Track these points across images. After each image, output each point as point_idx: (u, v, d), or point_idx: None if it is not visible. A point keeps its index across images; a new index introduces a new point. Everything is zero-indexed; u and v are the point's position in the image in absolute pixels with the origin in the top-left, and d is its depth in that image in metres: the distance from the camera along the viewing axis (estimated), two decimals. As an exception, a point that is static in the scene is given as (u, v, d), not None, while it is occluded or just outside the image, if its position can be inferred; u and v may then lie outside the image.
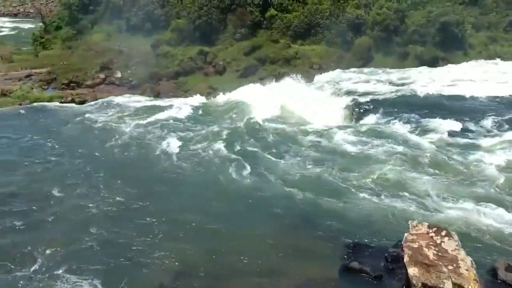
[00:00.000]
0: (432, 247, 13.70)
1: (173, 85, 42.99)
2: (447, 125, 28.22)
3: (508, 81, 35.83)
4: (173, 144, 27.23)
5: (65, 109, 35.23)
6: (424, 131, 27.85)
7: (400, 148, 25.31)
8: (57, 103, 36.88)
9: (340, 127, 29.02)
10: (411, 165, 23.58)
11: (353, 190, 21.68)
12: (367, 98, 33.14)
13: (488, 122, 28.66)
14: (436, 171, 23.01)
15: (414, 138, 26.67)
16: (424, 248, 13.69)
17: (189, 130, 29.76)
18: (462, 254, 13.51)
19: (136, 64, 45.19)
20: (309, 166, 24.31)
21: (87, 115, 32.86)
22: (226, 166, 24.40)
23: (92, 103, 36.80)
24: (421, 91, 33.75)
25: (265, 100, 33.31)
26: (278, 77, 40.17)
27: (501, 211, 19.30)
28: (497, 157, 24.03)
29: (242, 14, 48.21)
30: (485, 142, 26.20)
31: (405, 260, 13.50)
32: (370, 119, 30.56)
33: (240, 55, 45.42)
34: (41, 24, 63.42)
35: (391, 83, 36.63)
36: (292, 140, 27.65)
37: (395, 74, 38.84)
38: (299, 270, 16.85)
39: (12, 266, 16.89)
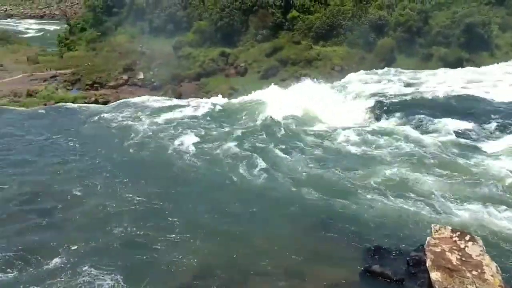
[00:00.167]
0: (456, 252, 13.45)
1: (194, 86, 43.28)
2: (465, 127, 27.81)
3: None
4: (191, 144, 27.43)
5: (88, 109, 35.76)
6: (446, 134, 27.43)
7: (420, 151, 25.05)
8: (81, 104, 37.49)
9: (360, 129, 28.84)
10: (430, 168, 23.36)
11: (371, 191, 21.51)
12: (389, 100, 32.80)
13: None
14: (455, 173, 22.69)
15: (434, 140, 26.31)
16: (447, 253, 13.45)
17: (208, 130, 29.98)
18: (487, 259, 13.22)
19: (158, 66, 45.65)
20: (327, 167, 24.20)
21: (109, 116, 33.33)
22: (244, 167, 24.47)
23: (115, 103, 37.30)
24: (444, 93, 33.22)
25: (285, 101, 33.27)
26: (299, 78, 40.12)
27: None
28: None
29: (264, 16, 48.24)
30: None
31: (427, 265, 13.28)
32: (391, 121, 30.22)
33: (261, 57, 45.46)
34: (66, 25, 64.58)
35: (413, 84, 36.13)
36: (309, 141, 27.63)
37: (417, 76, 38.32)
38: (318, 272, 16.74)
39: (37, 262, 17.25)
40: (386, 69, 40.51)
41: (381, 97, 33.32)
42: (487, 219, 18.73)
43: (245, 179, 23.42)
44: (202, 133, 29.34)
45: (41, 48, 60.98)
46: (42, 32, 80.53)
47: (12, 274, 16.54)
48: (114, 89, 42.33)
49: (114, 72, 44.85)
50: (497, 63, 41.46)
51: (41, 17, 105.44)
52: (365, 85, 36.42)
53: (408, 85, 35.89)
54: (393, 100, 32.58)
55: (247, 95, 36.02)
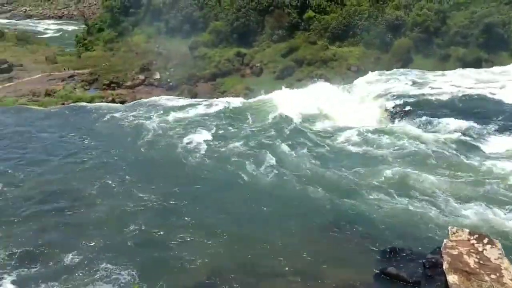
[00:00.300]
0: (473, 255, 13.25)
1: (210, 87, 43.46)
2: (485, 129, 27.47)
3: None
4: (204, 144, 27.69)
5: (105, 108, 36.12)
6: (460, 135, 27.15)
7: (432, 151, 25.00)
8: (98, 103, 37.91)
9: (374, 129, 28.76)
10: (442, 169, 23.24)
11: (383, 192, 21.44)
12: (404, 101, 32.44)
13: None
14: (470, 173, 22.56)
15: (447, 141, 26.13)
16: (465, 256, 13.25)
17: (223, 130, 30.21)
18: (506, 263, 13.00)
19: (175, 66, 45.94)
20: (338, 167, 24.18)
21: (125, 115, 33.65)
22: (256, 166, 24.60)
23: (131, 103, 37.70)
24: (463, 94, 32.76)
25: (299, 102, 33.34)
26: (315, 79, 40.03)
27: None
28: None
29: (280, 16, 48.19)
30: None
31: (444, 267, 13.11)
32: (404, 122, 30.02)
33: (277, 57, 45.45)
34: (84, 26, 65.31)
35: (429, 85, 35.64)
36: (323, 142, 27.69)
37: (434, 76, 37.80)
38: (332, 273, 16.68)
39: (56, 258, 17.61)
40: (402, 69, 40.12)
41: (396, 98, 32.97)
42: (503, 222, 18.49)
43: (257, 178, 23.55)
44: (216, 132, 29.57)
45: (59, 48, 61.85)
46: (61, 33, 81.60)
47: (33, 269, 16.98)
48: (131, 89, 42.72)
49: (131, 72, 45.27)
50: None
51: (60, 18, 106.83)
52: (380, 85, 36.11)
53: (422, 85, 35.43)
54: (408, 101, 32.23)
55: (262, 95, 36.07)
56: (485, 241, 13.81)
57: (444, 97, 32.34)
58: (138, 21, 58.15)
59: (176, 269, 16.97)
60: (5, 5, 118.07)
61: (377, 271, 16.12)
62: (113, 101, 38.90)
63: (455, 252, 13.48)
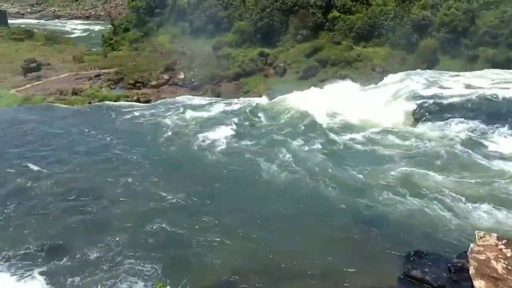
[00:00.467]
0: (502, 260, 12.92)
1: (233, 86, 43.57)
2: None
3: None
4: (227, 144, 27.95)
5: (130, 108, 36.60)
6: (483, 138, 26.68)
7: (455, 155, 24.76)
8: (123, 102, 38.43)
9: (396, 130, 28.70)
10: (464, 172, 23.00)
11: (409, 194, 21.20)
12: (430, 102, 31.93)
13: None
14: (496, 178, 22.12)
15: (470, 145, 25.80)
16: (492, 261, 12.94)
17: (245, 130, 30.47)
18: (535, 269, 12.66)
19: (198, 66, 46.19)
20: (361, 168, 24.15)
21: (150, 114, 34.08)
22: (277, 166, 24.74)
23: (156, 103, 38.14)
24: (491, 96, 32.01)
25: (323, 102, 33.28)
26: (339, 79, 39.76)
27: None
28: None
29: (304, 16, 47.99)
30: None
31: (470, 272, 12.82)
32: (430, 124, 29.63)
33: (301, 57, 45.26)
34: (110, 26, 66.25)
35: (455, 86, 34.92)
36: (342, 142, 27.74)
37: (462, 77, 37.07)
38: (354, 275, 16.59)
39: (82, 252, 18.03)
40: (428, 70, 39.47)
41: (420, 99, 32.46)
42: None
43: (275, 177, 23.71)
44: (237, 132, 29.83)
45: (86, 48, 62.91)
46: (88, 32, 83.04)
47: (61, 262, 17.49)
48: (156, 89, 43.12)
49: (156, 72, 45.69)
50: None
51: (87, 18, 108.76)
52: (405, 86, 35.53)
53: (447, 87, 34.75)
54: (433, 102, 31.70)
55: (285, 95, 36.04)
56: (514, 246, 13.47)
57: (471, 99, 31.67)
58: (163, 21, 58.68)
59: (197, 267, 17.11)
60: (35, 5, 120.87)
61: (401, 274, 15.93)
62: (138, 100, 39.34)
63: (482, 257, 13.18)
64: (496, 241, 13.75)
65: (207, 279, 16.55)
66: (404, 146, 26.73)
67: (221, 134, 29.32)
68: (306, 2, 48.79)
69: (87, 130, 31.17)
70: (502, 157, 24.39)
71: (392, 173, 23.35)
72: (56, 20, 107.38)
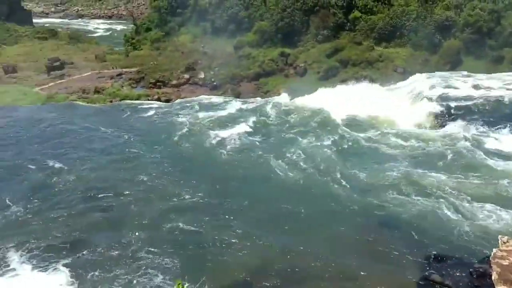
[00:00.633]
0: (525, 266, 12.65)
1: (253, 86, 43.58)
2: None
3: None
4: (245, 143, 28.16)
5: (150, 106, 36.96)
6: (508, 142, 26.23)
7: (473, 157, 24.63)
8: (144, 101, 38.81)
9: (416, 132, 28.64)
10: (483, 175, 22.77)
11: (431, 197, 21.05)
12: (451, 104, 31.51)
13: None
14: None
15: (489, 147, 25.36)
16: (516, 267, 12.68)
17: (264, 129, 30.61)
18: (559, 276, 12.34)
19: (219, 65, 46.32)
20: (380, 168, 24.14)
21: (170, 113, 34.39)
22: (295, 164, 24.89)
23: (176, 102, 38.48)
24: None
25: (343, 102, 33.18)
26: (360, 79, 39.48)
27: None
28: None
29: (325, 16, 47.70)
30: None
31: (493, 278, 12.56)
32: (452, 126, 29.28)
33: (321, 57, 44.99)
34: (132, 25, 66.94)
35: (479, 88, 34.34)
36: (361, 142, 27.81)
37: (486, 79, 36.40)
38: (374, 277, 16.52)
39: (102, 246, 18.47)
40: (451, 72, 38.86)
41: (442, 100, 32.07)
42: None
43: (293, 177, 23.79)
44: (256, 131, 30.02)
45: (108, 47, 63.68)
46: (110, 32, 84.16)
47: (83, 255, 17.97)
48: (176, 88, 43.42)
49: (177, 71, 46.00)
50: None
51: (110, 17, 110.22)
52: (427, 87, 35.03)
53: (471, 88, 34.12)
54: (455, 104, 31.33)
55: (305, 95, 35.96)
56: (538, 252, 13.16)
57: (494, 101, 31.15)
58: (185, 21, 58.97)
59: (214, 266, 17.25)
60: (59, 5, 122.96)
61: (420, 278, 15.74)
62: (158, 99, 39.68)
63: (505, 262, 12.91)
64: (520, 247, 13.46)
65: (224, 278, 16.63)
66: (421, 147, 26.64)
67: (238, 134, 29.52)
68: (327, 2, 48.49)
69: (107, 129, 31.57)
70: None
71: (407, 174, 23.31)
72: (80, 19, 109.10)
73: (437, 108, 31.36)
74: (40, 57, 54.57)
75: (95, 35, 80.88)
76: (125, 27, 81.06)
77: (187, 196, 21.99)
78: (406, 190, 21.74)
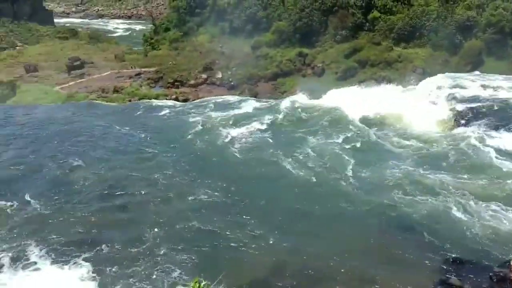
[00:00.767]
0: (547, 271, 12.41)
1: (271, 86, 43.63)
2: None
3: None
4: (261, 143, 28.04)
5: (168, 106, 37.18)
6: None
7: (492, 160, 24.14)
8: (162, 101, 39.11)
9: (434, 133, 28.39)
10: (502, 179, 22.25)
11: (451, 199, 20.68)
12: (471, 105, 30.97)
13: None
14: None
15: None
16: (537, 271, 12.44)
17: (281, 129, 30.49)
18: None
19: (237, 65, 46.48)
20: (397, 169, 23.90)
21: (187, 113, 34.52)
22: (311, 164, 24.72)
23: (193, 102, 38.69)
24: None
25: (360, 102, 33.06)
26: (378, 80, 39.19)
27: None
28: None
29: (344, 16, 47.47)
30: None
31: (513, 282, 12.39)
32: (470, 128, 28.84)
33: (339, 57, 44.83)
34: (151, 25, 67.52)
35: (499, 89, 33.69)
36: (378, 143, 27.54)
37: (506, 80, 35.74)
38: (391, 280, 16.30)
39: (121, 243, 18.62)
40: (471, 72, 38.29)
41: (462, 102, 31.56)
42: None
43: (309, 177, 23.65)
44: (272, 131, 29.91)
45: (128, 47, 64.39)
46: (129, 32, 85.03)
47: (103, 251, 18.15)
48: (194, 88, 43.70)
49: (194, 71, 46.29)
50: None
51: (129, 18, 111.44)
52: (446, 88, 34.47)
53: (491, 90, 33.50)
54: (475, 106, 30.77)
55: (322, 95, 35.84)
56: (561, 257, 12.90)
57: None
58: (203, 21, 59.29)
59: (231, 264, 17.23)
60: (80, 5, 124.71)
61: (438, 281, 15.52)
62: (176, 99, 39.94)
63: (526, 267, 12.69)
64: (542, 251, 13.21)
65: (240, 277, 16.60)
66: (436, 148, 26.34)
67: (254, 133, 29.58)
68: (346, 2, 48.27)
69: (125, 127, 31.83)
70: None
71: (419, 174, 23.13)
72: (100, 19, 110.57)
73: (455, 109, 30.92)
74: (60, 57, 55.46)
75: (115, 35, 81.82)
76: (144, 27, 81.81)
77: (202, 196, 22.05)
78: (418, 191, 21.54)
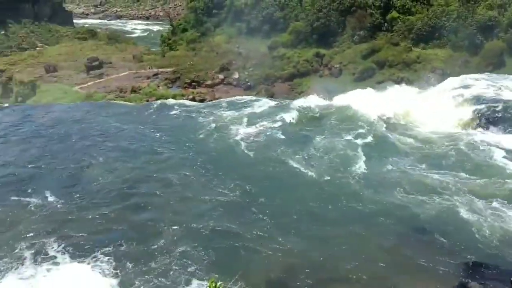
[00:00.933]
0: None
1: (287, 87, 43.48)
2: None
3: None
4: (278, 143, 28.02)
5: (185, 106, 37.37)
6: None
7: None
8: (179, 101, 39.29)
9: (453, 134, 28.12)
10: None
11: (471, 203, 20.31)
12: (491, 107, 30.42)
13: None
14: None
15: None
16: (560, 277, 12.13)
17: (298, 130, 30.44)
18: None
19: (253, 66, 46.45)
20: (407, 170, 23.84)
21: (204, 113, 34.64)
22: (327, 165, 24.71)
23: (210, 102, 38.84)
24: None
25: (378, 103, 32.82)
26: (397, 81, 38.78)
27: None
28: None
29: (362, 16, 47.07)
30: None
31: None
32: (491, 130, 28.42)
33: (357, 58, 44.42)
34: (169, 26, 67.89)
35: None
36: (393, 144, 27.38)
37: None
38: (407, 283, 16.16)
39: (139, 240, 18.89)
40: (493, 74, 37.58)
41: (482, 103, 31.01)
42: None
43: (324, 177, 23.56)
44: (289, 132, 29.84)
45: (145, 48, 64.93)
46: (147, 32, 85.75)
47: (121, 247, 18.44)
48: (211, 88, 43.79)
49: (211, 72, 46.40)
50: None
51: (147, 18, 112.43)
52: (466, 90, 33.92)
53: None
54: (496, 108, 30.20)
55: (340, 96, 35.63)
56: None
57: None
58: (220, 21, 59.38)
59: (247, 264, 17.27)
60: (99, 6, 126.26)
61: (457, 285, 15.29)
62: (193, 99, 40.09)
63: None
64: None
65: (256, 277, 16.63)
66: (456, 149, 26.06)
67: (270, 134, 29.51)
68: (364, 3, 47.87)
69: (143, 127, 32.11)
70: None
71: (439, 177, 22.87)
72: (118, 20, 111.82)
73: (475, 110, 30.43)
74: (80, 57, 56.15)
75: (133, 35, 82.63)
76: (161, 28, 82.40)
77: (218, 196, 22.13)
78: (430, 191, 21.44)
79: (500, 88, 33.18)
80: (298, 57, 46.42)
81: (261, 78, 44.07)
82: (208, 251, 17.93)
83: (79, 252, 18.04)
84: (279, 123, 31.19)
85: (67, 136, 30.41)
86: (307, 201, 21.59)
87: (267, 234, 18.94)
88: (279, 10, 53.42)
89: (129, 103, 39.20)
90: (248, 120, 32.14)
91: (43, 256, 17.83)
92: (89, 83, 46.25)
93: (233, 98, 38.65)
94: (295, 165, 25.03)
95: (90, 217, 20.59)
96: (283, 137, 28.98)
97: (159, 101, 39.13)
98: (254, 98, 38.81)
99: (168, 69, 49.05)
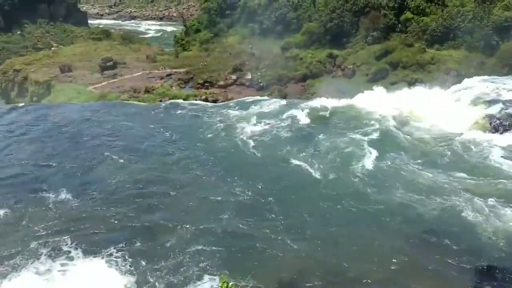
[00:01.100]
0: None
1: (300, 88, 43.41)
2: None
3: None
4: (292, 144, 27.98)
5: (198, 106, 37.53)
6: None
7: None
8: (192, 101, 39.46)
9: (467, 137, 27.73)
10: None
11: (484, 206, 20.07)
12: (505, 109, 30.01)
13: None
14: None
15: None
16: None
17: (310, 131, 30.33)
18: None
19: (266, 66, 46.46)
20: (429, 173, 23.57)
21: (216, 113, 34.76)
22: (344, 169, 24.54)
23: (222, 103, 38.88)
24: None
25: (391, 104, 32.67)
26: (410, 82, 38.50)
27: None
28: None
29: (375, 17, 46.79)
30: None
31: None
32: (505, 133, 28.07)
33: (370, 59, 44.16)
34: (182, 27, 68.19)
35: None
36: (413, 147, 27.11)
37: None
38: (419, 286, 15.96)
39: (153, 238, 19.17)
40: (509, 75, 37.14)
41: (498, 105, 30.62)
42: None
43: (337, 179, 23.63)
44: (302, 134, 29.82)
45: (159, 48, 65.27)
46: (161, 33, 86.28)
47: (135, 245, 18.77)
48: (223, 89, 43.86)
49: (224, 72, 46.49)
50: None
51: (161, 19, 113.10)
52: (481, 92, 33.51)
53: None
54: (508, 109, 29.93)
55: (353, 97, 35.49)
56: None
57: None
58: (233, 22, 59.45)
59: (261, 264, 17.35)
60: (113, 7, 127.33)
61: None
62: (206, 99, 40.19)
63: None
64: None
65: (267, 277, 16.66)
66: (469, 153, 25.92)
67: (280, 134, 29.63)
68: (378, 3, 47.58)
69: (156, 127, 32.31)
70: None
71: (452, 180, 22.78)
72: (132, 20, 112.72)
73: (489, 112, 30.11)
74: (94, 57, 56.63)
75: (147, 36, 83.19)
76: (175, 28, 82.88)
77: (233, 194, 22.29)
78: (440, 193, 21.35)
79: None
80: (311, 58, 46.31)
81: (274, 78, 44.04)
82: (220, 250, 18.06)
83: (94, 249, 18.37)
84: (289, 123, 31.36)
85: (81, 135, 30.73)
86: (316, 201, 21.67)
87: (278, 235, 18.98)
88: (292, 10, 53.34)
89: (142, 103, 39.44)
90: (258, 119, 32.26)
91: (59, 252, 18.21)
92: (103, 83, 46.63)
93: (246, 99, 38.73)
94: (304, 165, 25.11)
95: (103, 215, 20.88)
96: (295, 137, 29.09)
97: (172, 101, 39.33)
98: (267, 98, 38.85)
99: (181, 70, 49.25)
